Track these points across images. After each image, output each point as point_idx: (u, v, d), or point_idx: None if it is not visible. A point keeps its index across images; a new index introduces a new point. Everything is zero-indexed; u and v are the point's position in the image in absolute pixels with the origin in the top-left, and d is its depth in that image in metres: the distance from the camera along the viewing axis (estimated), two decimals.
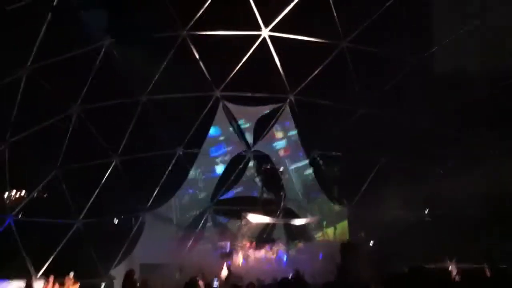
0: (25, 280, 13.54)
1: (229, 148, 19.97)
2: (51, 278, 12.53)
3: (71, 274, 12.51)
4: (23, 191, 16.21)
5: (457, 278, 10.19)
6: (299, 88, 17.27)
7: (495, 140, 14.68)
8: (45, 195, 16.47)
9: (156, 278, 11.64)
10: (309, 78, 16.81)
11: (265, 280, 10.71)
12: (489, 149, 14.91)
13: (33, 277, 14.85)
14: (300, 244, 18.62)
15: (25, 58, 13.75)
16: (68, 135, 15.76)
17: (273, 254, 16.46)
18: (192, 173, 19.26)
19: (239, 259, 15.73)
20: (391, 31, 14.88)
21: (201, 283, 10.86)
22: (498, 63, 13.74)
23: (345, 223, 18.98)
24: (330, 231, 19.44)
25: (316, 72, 16.59)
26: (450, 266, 11.80)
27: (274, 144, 20.06)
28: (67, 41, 13.87)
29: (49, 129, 15.33)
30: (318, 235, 19.46)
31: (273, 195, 18.90)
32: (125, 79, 15.40)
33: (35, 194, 16.21)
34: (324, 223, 19.59)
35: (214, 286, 13.23)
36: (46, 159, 15.70)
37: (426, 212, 16.79)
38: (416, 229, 15.63)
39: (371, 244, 16.03)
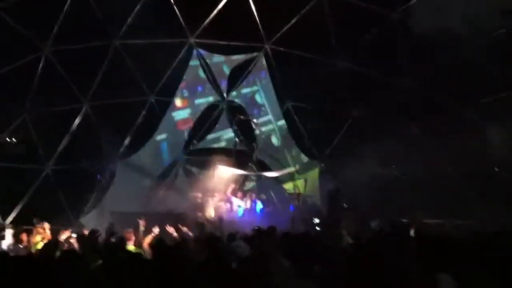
0: None
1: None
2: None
3: (35, 221, 12.20)
4: None
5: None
6: (275, 38, 17.02)
7: (475, 100, 14.71)
8: (13, 140, 16.05)
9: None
10: (285, 28, 16.59)
11: (238, 231, 10.67)
12: (468, 110, 14.93)
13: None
14: (272, 196, 18.74)
15: None
16: (38, 77, 15.28)
17: (245, 206, 16.48)
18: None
19: (210, 210, 15.72)
20: None
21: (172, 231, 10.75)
22: (483, 21, 13.61)
23: (315, 177, 19.05)
24: (300, 184, 19.49)
25: (293, 22, 16.38)
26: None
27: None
28: None
29: (18, 71, 14.80)
30: (289, 188, 19.51)
31: (246, 146, 18.81)
32: (98, 21, 14.90)
33: (3, 139, 15.79)
34: (295, 175, 19.63)
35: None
36: (14, 102, 15.25)
37: (400, 171, 16.91)
38: (389, 187, 15.78)
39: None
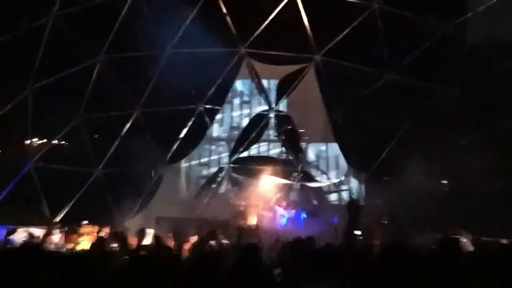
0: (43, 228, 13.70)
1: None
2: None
3: (85, 223, 12.62)
4: (45, 138, 16.37)
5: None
6: (325, 49, 16.98)
7: None
8: (66, 143, 16.61)
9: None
10: (336, 39, 16.53)
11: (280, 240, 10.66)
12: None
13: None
14: (316, 207, 18.62)
15: (52, 3, 13.64)
16: (92, 84, 15.79)
17: (289, 216, 16.45)
18: (213, 130, 19.26)
19: (253, 218, 15.77)
20: None
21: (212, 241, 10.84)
22: None
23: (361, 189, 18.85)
24: (345, 195, 19.34)
25: (344, 33, 16.30)
26: (465, 238, 11.63)
27: None
28: None
29: (73, 77, 15.37)
30: (334, 199, 19.38)
31: (292, 156, 18.80)
32: (152, 30, 15.26)
33: (57, 142, 16.36)
34: (341, 187, 19.48)
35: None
36: (69, 107, 15.79)
37: (445, 183, 16.51)
38: (432, 199, 15.42)
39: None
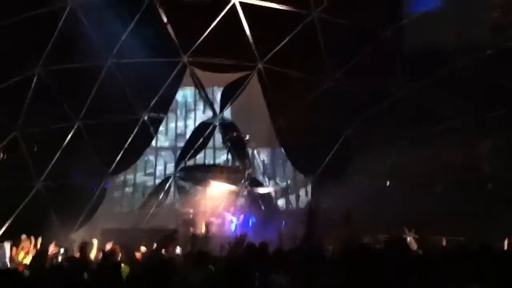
0: None
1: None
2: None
3: (23, 236, 12.29)
4: None
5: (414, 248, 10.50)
6: (268, 57, 17.14)
7: (466, 113, 14.84)
8: (4, 157, 16.06)
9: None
10: (278, 47, 16.71)
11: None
12: (458, 122, 15.07)
13: None
14: (264, 212, 18.77)
15: None
16: (30, 95, 15.34)
17: (237, 221, 16.54)
18: (158, 139, 19.13)
19: (202, 226, 15.77)
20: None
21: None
22: (474, 38, 13.83)
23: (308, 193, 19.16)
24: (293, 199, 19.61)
25: (285, 41, 16.51)
26: (408, 238, 12.04)
27: None
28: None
29: (10, 89, 14.89)
30: (282, 204, 19.61)
31: (239, 163, 18.90)
32: (90, 41, 14.99)
33: None
34: (289, 192, 19.73)
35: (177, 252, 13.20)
36: (5, 119, 15.30)
37: (388, 183, 16.99)
38: (377, 199, 15.84)
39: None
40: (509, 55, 13.84)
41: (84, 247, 10.20)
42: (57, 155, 16.49)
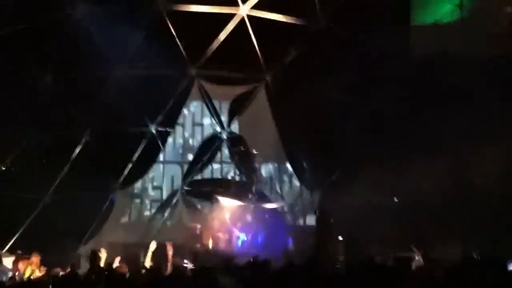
0: None
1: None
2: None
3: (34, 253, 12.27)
4: None
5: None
6: (276, 70, 17.12)
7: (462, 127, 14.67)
8: (12, 169, 16.04)
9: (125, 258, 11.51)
10: (286, 59, 16.71)
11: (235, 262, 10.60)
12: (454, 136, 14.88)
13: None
14: (272, 228, 18.59)
15: None
16: (38, 106, 15.34)
17: (244, 237, 16.42)
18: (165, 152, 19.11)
19: (208, 241, 15.67)
20: None
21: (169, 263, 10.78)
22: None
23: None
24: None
25: (293, 54, 16.50)
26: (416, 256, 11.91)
27: None
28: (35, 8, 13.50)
29: (18, 100, 14.90)
30: (289, 219, 19.44)
31: (246, 177, 18.79)
32: (97, 51, 14.96)
33: (3, 168, 15.79)
34: (296, 208, 19.59)
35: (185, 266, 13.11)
36: (14, 131, 15.29)
37: (395, 198, 16.80)
38: (384, 215, 15.67)
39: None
40: None
41: (95, 257, 10.15)
42: (66, 168, 16.41)
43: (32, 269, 11.55)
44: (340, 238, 15.09)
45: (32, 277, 11.13)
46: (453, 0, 14.30)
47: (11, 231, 15.69)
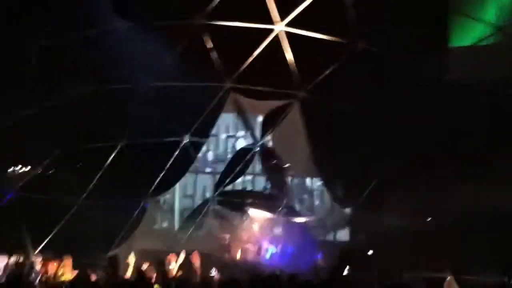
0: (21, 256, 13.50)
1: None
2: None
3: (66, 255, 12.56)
4: (28, 167, 16.21)
5: None
6: (310, 86, 17.14)
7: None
8: (49, 173, 16.45)
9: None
10: (321, 76, 16.70)
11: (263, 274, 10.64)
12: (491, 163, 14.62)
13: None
14: (301, 242, 18.58)
15: (38, 30, 13.62)
16: (75, 115, 15.68)
17: (273, 250, 16.46)
18: (198, 162, 19.33)
19: (237, 252, 15.75)
20: None
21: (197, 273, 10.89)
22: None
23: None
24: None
25: (328, 71, 16.48)
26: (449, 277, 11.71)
27: None
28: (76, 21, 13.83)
29: (57, 108, 15.26)
30: (320, 234, 19.40)
31: (277, 190, 18.85)
32: (134, 63, 15.19)
33: (39, 171, 16.18)
34: (327, 222, 19.54)
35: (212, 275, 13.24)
36: (52, 137, 15.66)
37: (429, 220, 16.58)
38: (417, 237, 15.48)
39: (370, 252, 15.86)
40: None
41: (115, 261, 10.27)
42: (99, 174, 16.75)
43: (63, 271, 11.78)
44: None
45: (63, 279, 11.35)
46: (492, 23, 14.04)
47: (44, 233, 16.03)
